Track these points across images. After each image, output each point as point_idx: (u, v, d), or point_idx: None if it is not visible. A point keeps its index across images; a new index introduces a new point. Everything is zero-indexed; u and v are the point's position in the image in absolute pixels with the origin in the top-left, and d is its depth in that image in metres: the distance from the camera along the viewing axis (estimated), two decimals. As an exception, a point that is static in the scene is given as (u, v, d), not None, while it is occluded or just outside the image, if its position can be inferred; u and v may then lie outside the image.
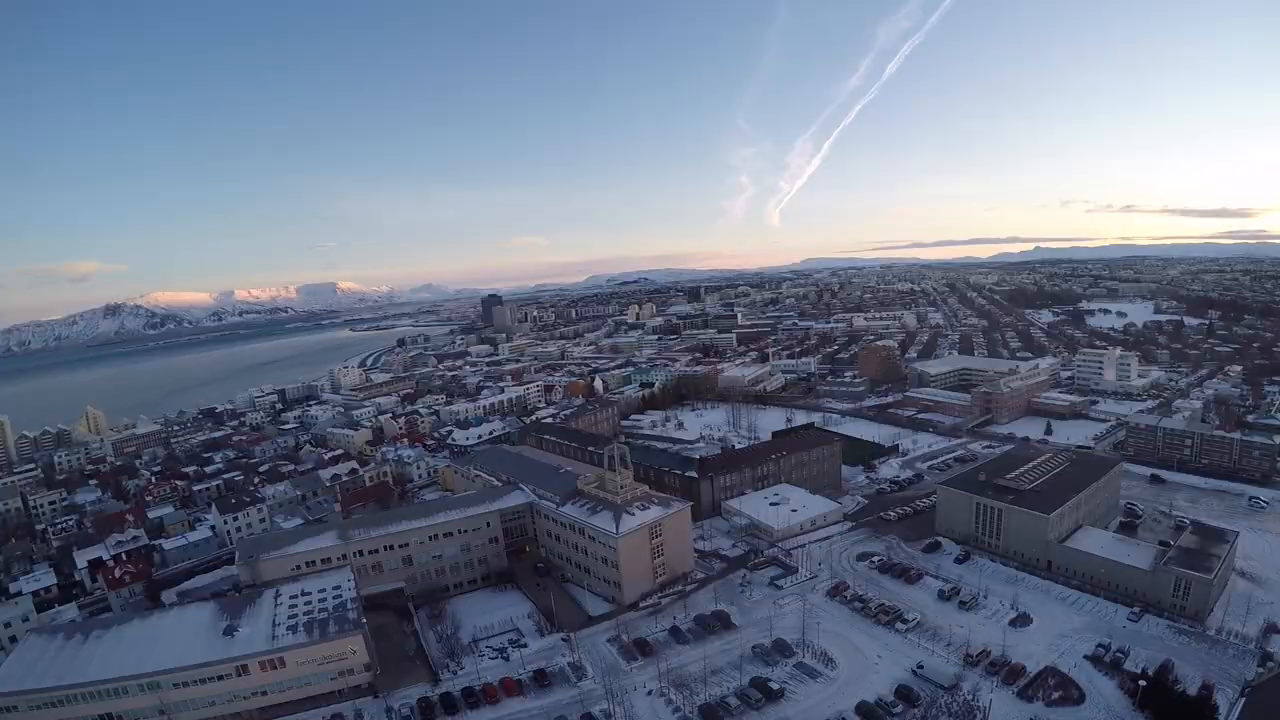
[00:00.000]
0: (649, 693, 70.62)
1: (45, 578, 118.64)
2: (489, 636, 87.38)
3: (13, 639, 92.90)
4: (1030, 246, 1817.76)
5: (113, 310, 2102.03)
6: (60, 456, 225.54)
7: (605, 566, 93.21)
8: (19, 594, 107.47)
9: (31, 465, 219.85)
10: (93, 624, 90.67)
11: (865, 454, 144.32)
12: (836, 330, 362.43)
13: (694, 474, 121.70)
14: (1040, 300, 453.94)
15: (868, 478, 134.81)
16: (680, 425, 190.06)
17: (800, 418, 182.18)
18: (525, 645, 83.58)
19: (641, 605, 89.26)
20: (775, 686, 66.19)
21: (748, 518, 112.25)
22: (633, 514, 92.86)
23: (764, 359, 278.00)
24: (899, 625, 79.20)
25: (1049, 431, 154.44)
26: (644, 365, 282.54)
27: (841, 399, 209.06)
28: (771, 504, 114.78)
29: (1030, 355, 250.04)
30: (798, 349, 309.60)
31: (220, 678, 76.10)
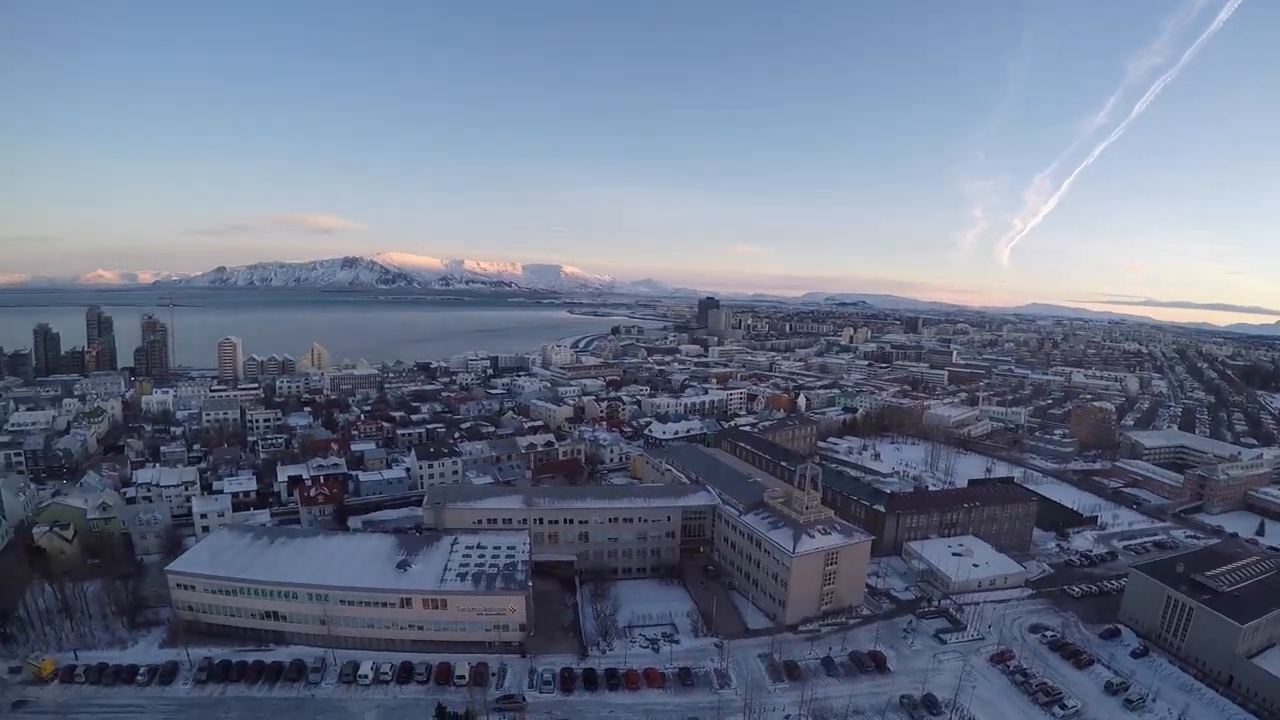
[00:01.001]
0: (786, 717, 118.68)
1: (247, 483, 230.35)
2: (645, 625, 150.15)
3: (205, 529, 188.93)
4: (1275, 320, 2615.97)
5: (350, 262, 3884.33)
6: (282, 382, 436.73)
7: (774, 583, 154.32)
8: (221, 492, 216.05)
9: (255, 385, 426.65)
10: (280, 531, 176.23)
11: (1060, 519, 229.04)
12: (1053, 383, 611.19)
13: (881, 508, 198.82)
14: (1277, 382, 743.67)
15: (1058, 545, 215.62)
16: (877, 456, 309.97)
17: (1000, 469, 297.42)
18: (678, 642, 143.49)
19: (801, 629, 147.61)
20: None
21: (927, 563, 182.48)
22: (812, 536, 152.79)
23: (973, 402, 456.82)
24: (1057, 710, 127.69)
25: (1261, 531, 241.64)
26: (850, 389, 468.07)
27: (1046, 457, 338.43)
28: (954, 554, 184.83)
29: (1255, 442, 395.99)
30: (1009, 397, 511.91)
31: (384, 604, 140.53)
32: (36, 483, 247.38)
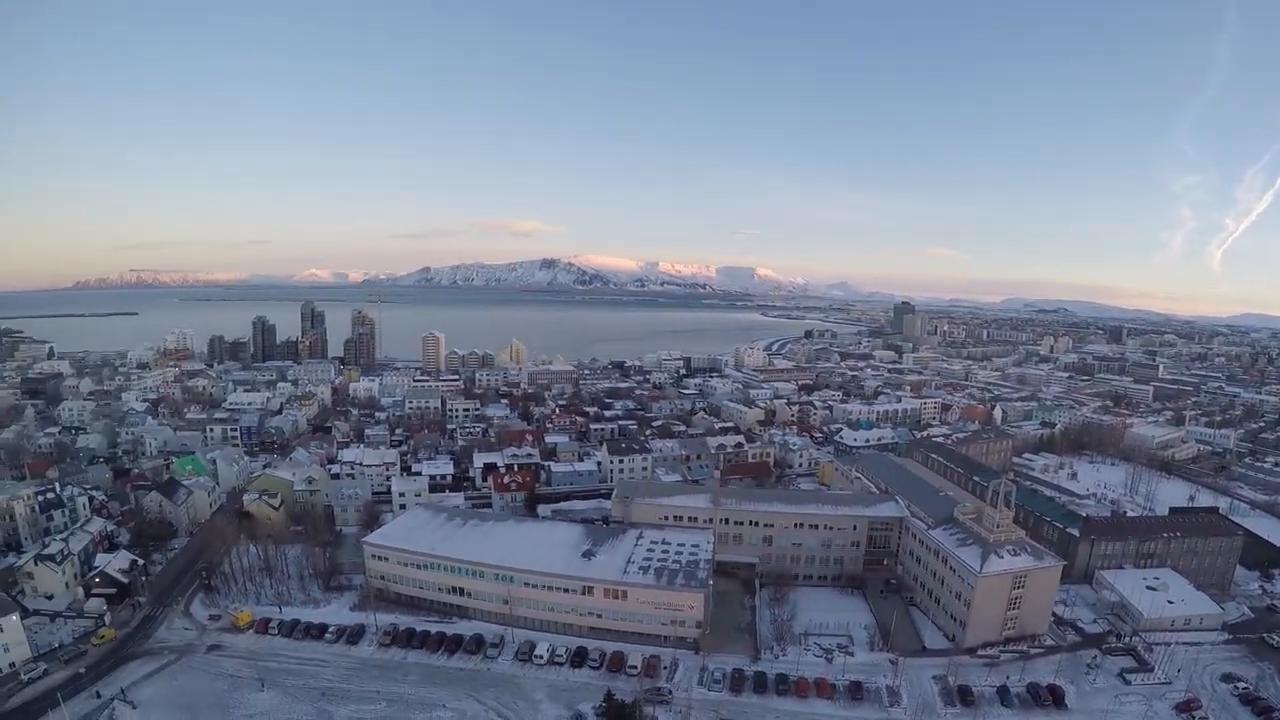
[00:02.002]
0: None
1: (444, 467, 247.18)
2: (821, 634, 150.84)
3: (402, 507, 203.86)
4: None
5: (548, 264, 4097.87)
6: (481, 375, 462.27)
7: (956, 602, 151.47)
8: (419, 474, 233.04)
9: (456, 377, 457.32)
10: (472, 513, 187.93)
11: (1266, 558, 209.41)
12: (1267, 404, 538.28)
13: (1075, 531, 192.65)
14: None
15: (1261, 587, 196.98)
16: (1073, 475, 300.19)
17: (1204, 497, 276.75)
18: (852, 654, 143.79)
19: (979, 653, 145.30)
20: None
21: (1118, 595, 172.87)
22: (1001, 556, 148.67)
23: (1179, 421, 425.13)
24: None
25: None
26: (1048, 403, 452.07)
27: (1256, 486, 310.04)
28: (1148, 587, 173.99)
29: None
30: (1218, 418, 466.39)
31: (566, 590, 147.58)
32: (250, 456, 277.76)
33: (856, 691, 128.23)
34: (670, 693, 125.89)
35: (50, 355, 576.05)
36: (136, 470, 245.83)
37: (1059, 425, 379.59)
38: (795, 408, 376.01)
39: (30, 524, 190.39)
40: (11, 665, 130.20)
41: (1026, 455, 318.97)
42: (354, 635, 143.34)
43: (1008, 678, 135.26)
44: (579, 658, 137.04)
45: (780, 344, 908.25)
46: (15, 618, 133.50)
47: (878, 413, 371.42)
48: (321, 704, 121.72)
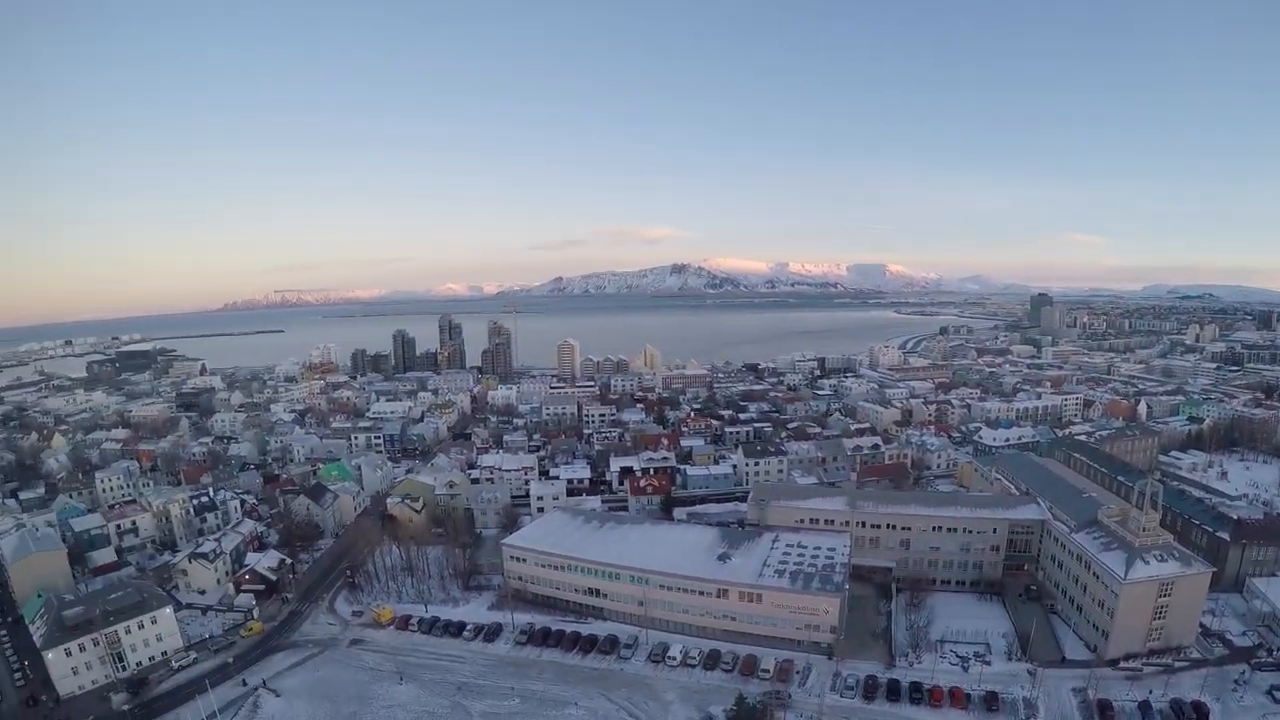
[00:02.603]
0: None
1: (581, 471, 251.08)
2: (957, 642, 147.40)
3: (540, 509, 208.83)
4: None
5: (679, 269, 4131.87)
6: (616, 380, 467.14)
7: (1098, 610, 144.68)
8: (556, 478, 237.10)
9: (591, 383, 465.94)
10: (608, 516, 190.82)
11: None
12: None
13: (1226, 535, 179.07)
14: None
15: None
16: (1223, 475, 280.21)
17: None
18: (989, 663, 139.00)
19: (1121, 665, 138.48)
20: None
21: (1271, 605, 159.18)
22: (1146, 562, 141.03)
23: None
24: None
25: None
26: (1196, 396, 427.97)
27: None
28: None
29: None
30: None
31: (701, 593, 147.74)
32: (393, 462, 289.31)
33: (992, 702, 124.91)
34: (789, 696, 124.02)
35: (203, 371, 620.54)
36: (285, 476, 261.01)
37: (1207, 420, 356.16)
38: (932, 407, 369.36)
39: (185, 525, 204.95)
40: (164, 654, 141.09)
41: (1173, 453, 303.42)
42: (491, 633, 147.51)
43: (1150, 692, 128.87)
44: (712, 660, 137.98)
45: (915, 341, 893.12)
46: (169, 610, 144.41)
47: (1017, 410, 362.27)
48: (457, 699, 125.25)
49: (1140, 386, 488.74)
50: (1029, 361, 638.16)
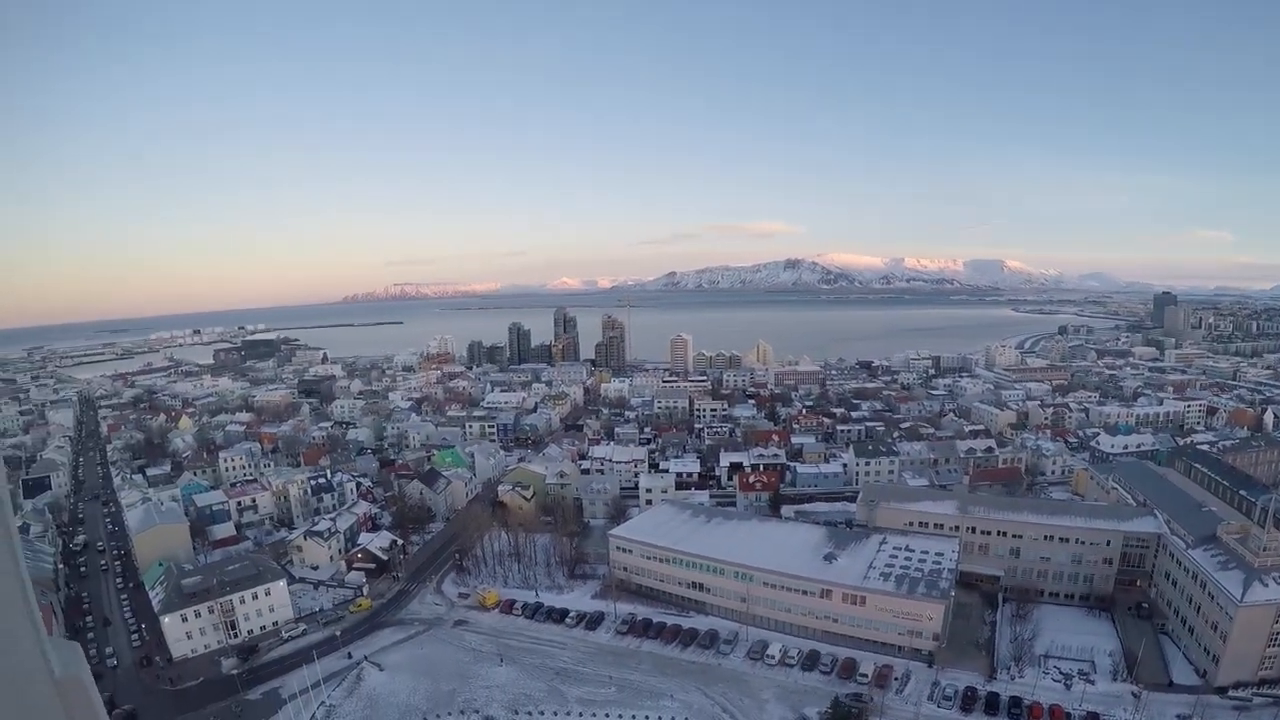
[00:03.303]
0: None
1: (691, 465, 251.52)
2: (1061, 658, 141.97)
3: (649, 502, 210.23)
4: None
5: (792, 264, 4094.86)
6: (728, 375, 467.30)
7: (1211, 633, 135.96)
8: (666, 471, 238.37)
9: (703, 377, 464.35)
10: (716, 511, 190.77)
11: None
12: None
13: None
14: None
15: None
16: None
17: None
18: (1093, 682, 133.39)
19: (1231, 693, 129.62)
20: None
21: None
22: (1265, 584, 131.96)
23: None
24: None
25: None
26: None
27: None
28: None
29: None
30: None
31: (804, 592, 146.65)
32: (505, 450, 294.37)
33: None
34: (870, 701, 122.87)
35: (324, 360, 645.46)
36: (400, 461, 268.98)
37: None
38: (1049, 410, 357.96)
39: (302, 504, 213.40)
40: (275, 624, 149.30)
41: None
42: (593, 621, 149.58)
43: None
44: (810, 661, 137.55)
45: (1033, 341, 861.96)
46: (282, 584, 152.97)
47: (1137, 416, 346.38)
48: (555, 683, 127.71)
49: (1267, 394, 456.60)
50: (1150, 364, 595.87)
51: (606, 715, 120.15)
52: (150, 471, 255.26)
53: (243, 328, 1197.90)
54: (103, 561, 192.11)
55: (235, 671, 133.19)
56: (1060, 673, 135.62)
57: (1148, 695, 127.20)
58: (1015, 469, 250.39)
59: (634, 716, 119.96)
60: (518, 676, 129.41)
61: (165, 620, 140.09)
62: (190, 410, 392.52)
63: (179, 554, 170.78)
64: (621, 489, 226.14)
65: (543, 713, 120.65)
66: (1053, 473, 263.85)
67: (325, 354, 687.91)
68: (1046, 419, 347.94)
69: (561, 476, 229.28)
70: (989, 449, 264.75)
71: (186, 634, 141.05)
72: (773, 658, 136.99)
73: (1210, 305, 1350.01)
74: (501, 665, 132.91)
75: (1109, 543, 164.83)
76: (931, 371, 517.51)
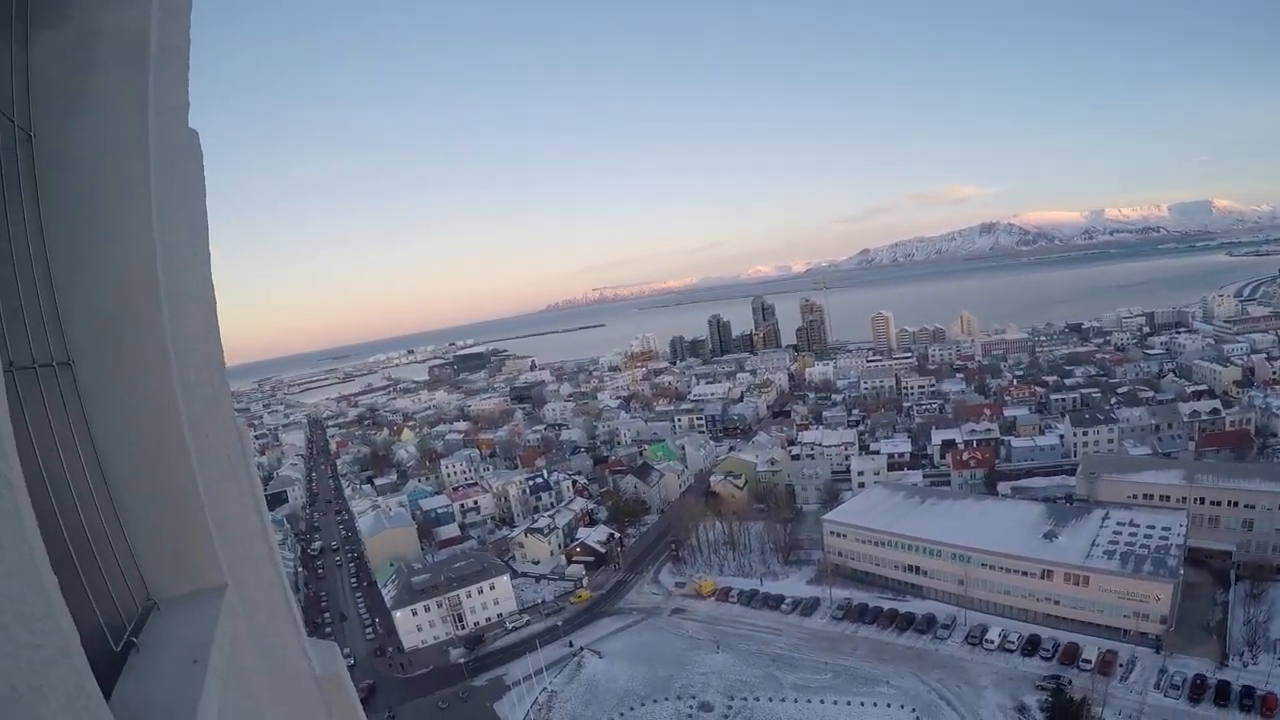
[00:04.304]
0: None
1: (902, 444, 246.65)
2: None
3: (861, 485, 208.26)
4: None
5: (987, 228, 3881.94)
6: (933, 350, 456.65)
7: None
8: (877, 453, 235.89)
9: (908, 354, 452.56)
10: (930, 491, 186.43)
11: None
12: None
13: None
14: None
15: None
16: None
17: None
18: None
19: None
20: None
21: None
22: None
23: None
24: None
25: None
26: None
27: None
28: None
29: None
30: None
31: (1024, 573, 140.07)
32: (714, 441, 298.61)
33: None
34: (1069, 683, 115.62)
35: (532, 367, 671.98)
36: (613, 457, 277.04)
37: None
38: (1277, 363, 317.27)
39: (521, 504, 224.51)
40: (499, 615, 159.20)
41: None
42: (808, 608, 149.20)
43: None
44: (1031, 646, 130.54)
45: (1253, 287, 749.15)
46: (505, 578, 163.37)
47: None
48: (771, 669, 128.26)
49: None
50: None
51: (822, 701, 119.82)
52: (378, 481, 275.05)
53: (453, 344, 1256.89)
54: (337, 559, 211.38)
55: (462, 660, 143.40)
56: None
57: None
58: (1244, 431, 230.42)
59: (849, 702, 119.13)
60: (734, 663, 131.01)
61: (397, 615, 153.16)
62: (410, 423, 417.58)
63: (408, 554, 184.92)
64: (833, 473, 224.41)
65: (758, 699, 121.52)
66: None
67: (533, 361, 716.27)
68: (1276, 373, 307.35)
69: (772, 463, 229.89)
70: (1214, 410, 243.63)
71: (417, 627, 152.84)
72: (991, 642, 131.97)
73: None
74: (718, 652, 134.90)
75: None
76: (1146, 329, 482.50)
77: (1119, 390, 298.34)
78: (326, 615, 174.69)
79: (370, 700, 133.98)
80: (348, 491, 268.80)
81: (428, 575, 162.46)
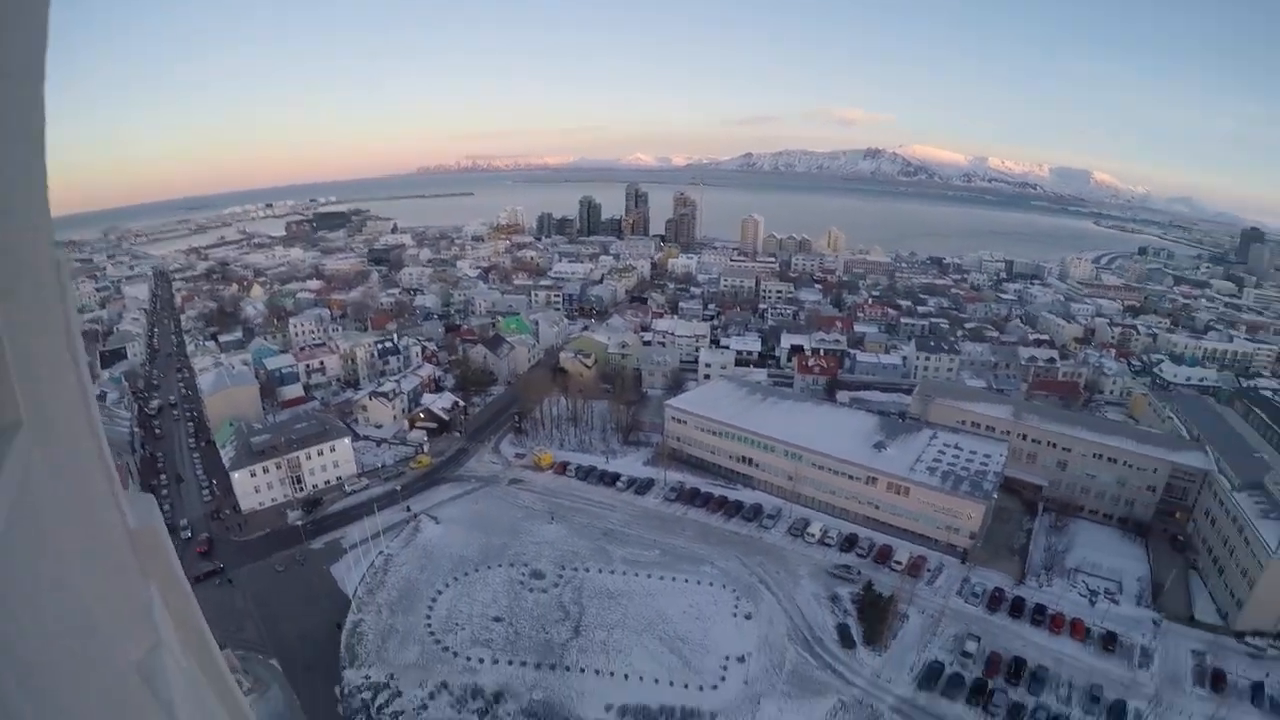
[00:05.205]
0: None
1: (752, 343, 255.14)
2: (1091, 574, 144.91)
3: (707, 376, 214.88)
4: None
5: (872, 154, 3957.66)
6: (797, 259, 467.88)
7: (1239, 578, 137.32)
8: (727, 348, 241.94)
9: (772, 259, 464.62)
10: (773, 391, 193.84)
11: None
12: None
13: None
14: None
15: None
16: None
17: None
18: (1117, 603, 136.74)
19: (1247, 639, 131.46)
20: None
21: None
22: None
23: None
24: None
25: None
26: None
27: None
28: None
29: None
30: None
31: (850, 477, 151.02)
32: (569, 319, 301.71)
33: (1109, 642, 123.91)
34: (859, 574, 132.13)
35: (394, 230, 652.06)
36: (466, 326, 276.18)
37: None
38: (1117, 329, 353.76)
39: (369, 367, 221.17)
40: (339, 478, 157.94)
41: None
42: (643, 487, 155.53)
43: (1267, 675, 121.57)
44: (848, 543, 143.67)
45: (1110, 258, 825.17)
46: (347, 441, 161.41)
47: (1204, 350, 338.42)
48: (602, 543, 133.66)
49: None
50: (1227, 300, 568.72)
51: (649, 576, 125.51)
52: (222, 338, 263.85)
53: (314, 200, 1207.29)
54: (176, 416, 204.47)
55: (300, 523, 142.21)
56: (1087, 588, 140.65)
57: (1167, 625, 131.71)
58: (1075, 383, 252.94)
59: (675, 579, 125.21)
60: (567, 534, 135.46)
61: (235, 476, 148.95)
62: (262, 280, 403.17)
63: (249, 414, 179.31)
64: (681, 362, 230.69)
65: (588, 569, 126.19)
66: (1111, 392, 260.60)
67: (395, 224, 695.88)
68: (1113, 338, 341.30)
69: (623, 347, 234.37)
70: (1051, 360, 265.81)
71: (255, 488, 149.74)
72: (813, 536, 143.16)
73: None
74: (552, 523, 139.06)
75: (1156, 470, 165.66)
76: (1003, 275, 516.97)
77: (967, 325, 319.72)
78: (163, 476, 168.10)
79: (209, 554, 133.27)
80: (191, 348, 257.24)
81: (268, 436, 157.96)
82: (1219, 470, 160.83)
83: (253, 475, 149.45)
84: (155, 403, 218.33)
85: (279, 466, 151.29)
